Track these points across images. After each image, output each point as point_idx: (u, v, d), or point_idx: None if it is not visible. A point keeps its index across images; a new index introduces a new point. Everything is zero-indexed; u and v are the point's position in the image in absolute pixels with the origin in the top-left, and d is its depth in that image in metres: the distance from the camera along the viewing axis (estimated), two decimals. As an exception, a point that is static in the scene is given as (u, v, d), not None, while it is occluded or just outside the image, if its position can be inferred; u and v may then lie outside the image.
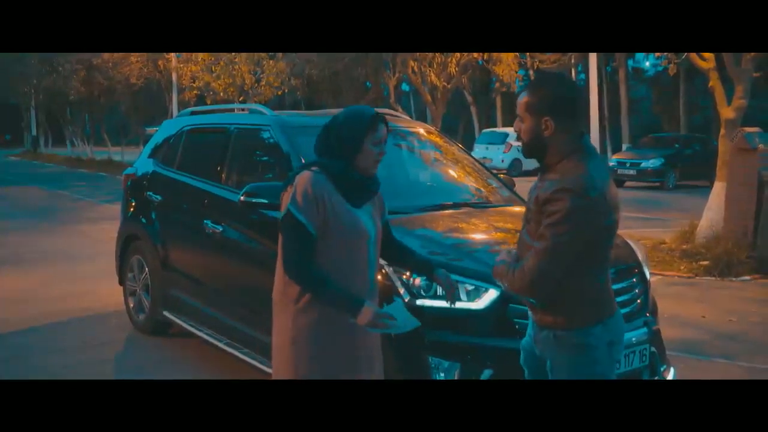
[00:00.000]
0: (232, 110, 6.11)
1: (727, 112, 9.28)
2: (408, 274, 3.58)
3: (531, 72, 27.33)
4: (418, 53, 15.05)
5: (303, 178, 2.62)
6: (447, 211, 4.49)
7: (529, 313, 2.70)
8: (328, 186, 2.63)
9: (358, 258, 2.70)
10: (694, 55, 9.38)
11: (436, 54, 15.20)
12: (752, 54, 9.02)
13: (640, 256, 4.16)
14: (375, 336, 2.78)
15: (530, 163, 17.86)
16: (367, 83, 27.33)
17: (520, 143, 2.59)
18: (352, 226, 2.65)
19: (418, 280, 3.53)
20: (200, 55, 19.98)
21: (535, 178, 2.59)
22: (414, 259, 3.04)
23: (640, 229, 11.11)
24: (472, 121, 33.60)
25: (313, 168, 2.66)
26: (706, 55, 9.33)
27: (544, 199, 2.39)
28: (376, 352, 2.82)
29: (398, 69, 17.16)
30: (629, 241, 4.31)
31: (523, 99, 2.51)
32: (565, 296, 2.47)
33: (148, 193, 5.77)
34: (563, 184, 2.35)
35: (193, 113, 6.01)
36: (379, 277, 3.59)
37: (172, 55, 21.90)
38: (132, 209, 6.03)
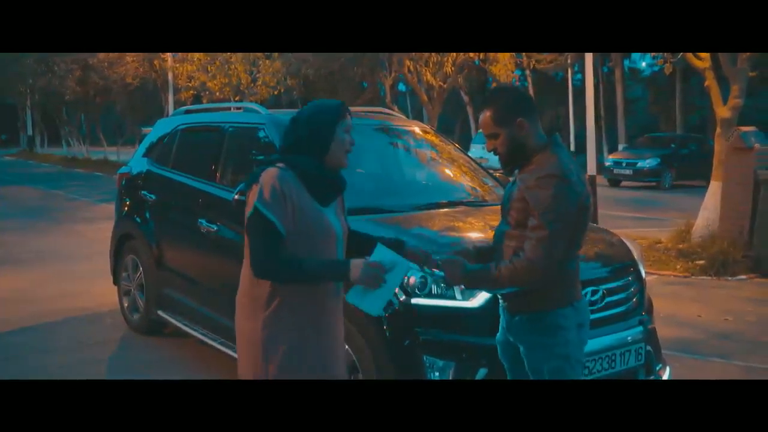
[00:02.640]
0: (228, 109, 6.09)
1: (722, 112, 9.29)
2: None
3: (528, 72, 27.41)
4: (414, 53, 15.03)
5: (269, 175, 2.51)
6: (443, 210, 4.48)
7: (501, 303, 2.80)
8: (295, 183, 2.53)
9: (326, 257, 2.60)
10: (690, 55, 9.38)
11: (432, 54, 15.18)
12: (748, 53, 9.03)
13: (636, 255, 4.16)
14: (340, 334, 2.71)
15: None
16: (364, 83, 27.32)
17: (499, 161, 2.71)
18: (320, 225, 2.57)
19: (413, 279, 3.51)
20: (196, 55, 19.92)
21: None
22: (377, 240, 2.81)
23: (637, 229, 11.13)
24: (468, 120, 33.61)
25: (279, 164, 2.56)
26: (702, 54, 9.33)
27: (528, 187, 2.54)
28: (341, 351, 2.73)
29: (394, 69, 17.15)
30: (625, 240, 4.31)
31: (486, 115, 2.66)
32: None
33: (143, 192, 5.76)
34: (546, 171, 2.53)
35: (187, 112, 5.99)
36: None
37: (168, 54, 21.85)
38: (126, 208, 6.01)
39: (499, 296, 2.81)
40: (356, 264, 2.47)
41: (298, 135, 2.60)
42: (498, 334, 2.90)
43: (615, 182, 20.98)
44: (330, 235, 2.60)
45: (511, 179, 2.79)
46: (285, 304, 2.54)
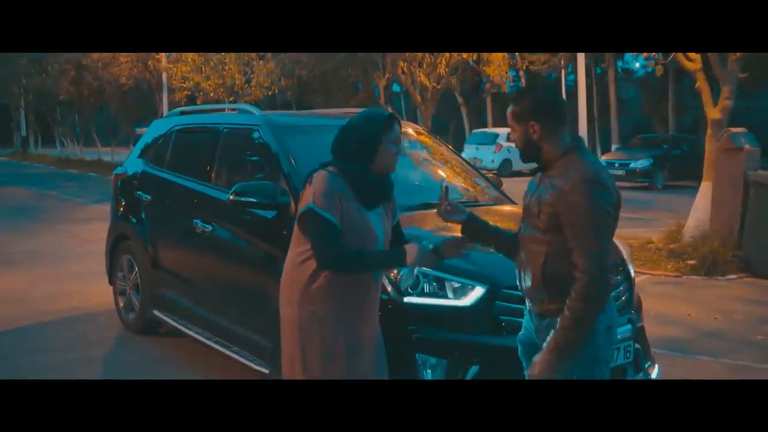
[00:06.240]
0: (223, 110, 6.13)
1: (713, 113, 9.35)
2: (395, 272, 3.61)
3: (521, 73, 27.48)
4: (407, 53, 15.08)
5: (320, 177, 2.73)
6: (435, 210, 4.51)
7: (528, 304, 2.77)
8: (343, 187, 2.74)
9: None
10: (680, 56, 9.44)
11: (426, 54, 15.23)
12: (738, 54, 9.09)
13: (625, 255, 4.22)
14: (376, 327, 2.92)
15: (520, 163, 17.90)
16: (358, 84, 27.33)
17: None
18: (362, 228, 2.77)
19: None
20: (190, 56, 19.92)
21: (525, 179, 2.65)
22: None
23: (629, 229, 11.17)
24: (463, 121, 33.66)
25: (330, 168, 2.77)
26: (693, 55, 9.39)
27: (563, 193, 2.50)
28: (379, 343, 2.94)
29: (388, 69, 17.20)
30: (614, 240, 4.35)
31: (510, 110, 2.71)
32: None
33: (138, 192, 5.79)
34: (580, 177, 2.50)
35: (182, 113, 6.03)
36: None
37: (162, 55, 21.84)
38: (122, 209, 6.04)
39: (527, 299, 2.75)
40: (411, 248, 2.70)
41: (346, 143, 2.81)
42: (520, 333, 2.86)
43: (608, 183, 21.03)
44: (371, 238, 2.80)
45: (532, 179, 2.75)
46: (324, 294, 2.75)
